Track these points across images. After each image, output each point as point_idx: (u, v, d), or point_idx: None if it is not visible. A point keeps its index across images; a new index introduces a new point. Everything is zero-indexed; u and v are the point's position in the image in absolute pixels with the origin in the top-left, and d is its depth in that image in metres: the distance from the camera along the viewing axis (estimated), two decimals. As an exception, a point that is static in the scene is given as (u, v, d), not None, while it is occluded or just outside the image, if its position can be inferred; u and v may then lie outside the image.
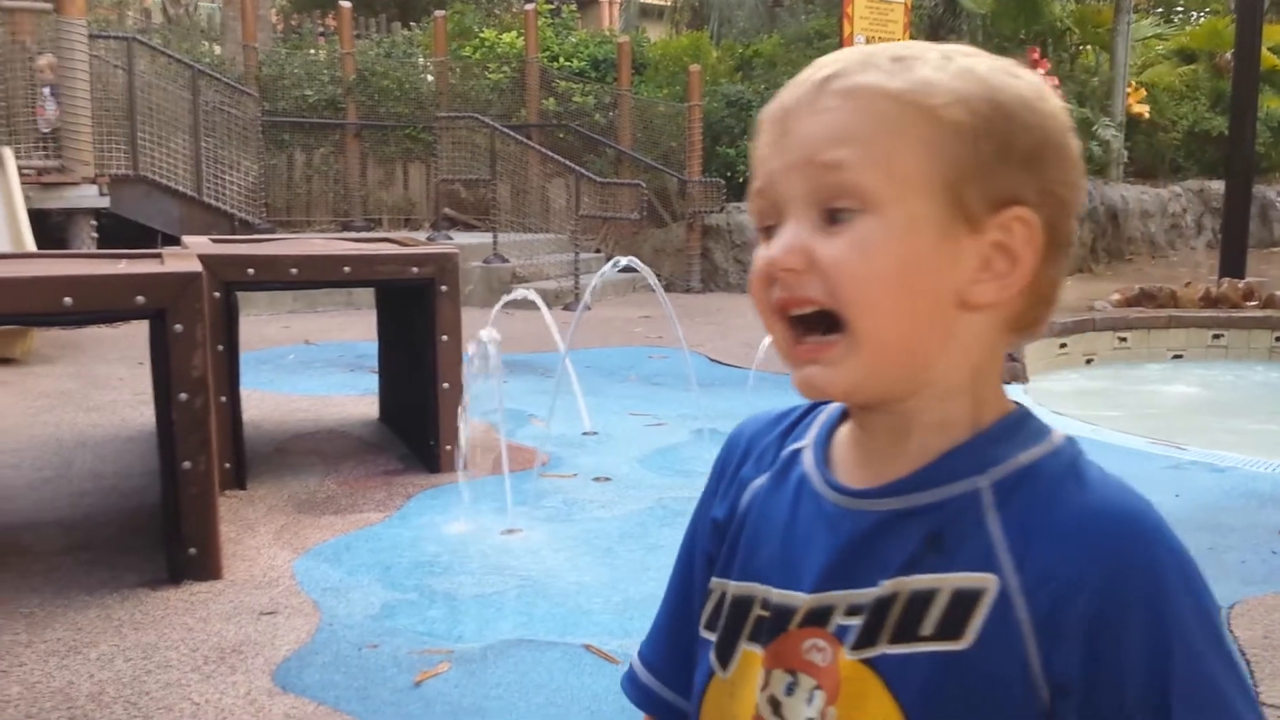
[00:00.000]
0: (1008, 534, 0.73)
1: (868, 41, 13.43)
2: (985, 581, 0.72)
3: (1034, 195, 0.74)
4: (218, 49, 14.34)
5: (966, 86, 0.74)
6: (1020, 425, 0.79)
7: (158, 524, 3.89)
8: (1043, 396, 6.31)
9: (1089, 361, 8.04)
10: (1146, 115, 15.46)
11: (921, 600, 0.74)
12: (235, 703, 2.56)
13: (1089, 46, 15.77)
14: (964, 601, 0.72)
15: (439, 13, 13.41)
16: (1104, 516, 0.73)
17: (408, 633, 2.99)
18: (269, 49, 13.73)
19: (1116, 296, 9.03)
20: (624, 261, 5.45)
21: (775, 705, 0.81)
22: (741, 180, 13.54)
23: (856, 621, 0.76)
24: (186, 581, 3.31)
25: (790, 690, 0.80)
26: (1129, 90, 15.01)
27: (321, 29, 17.80)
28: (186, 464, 3.26)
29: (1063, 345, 7.88)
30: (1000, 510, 0.74)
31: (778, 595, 0.82)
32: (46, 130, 8.81)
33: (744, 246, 12.97)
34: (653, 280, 4.68)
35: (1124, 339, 8.23)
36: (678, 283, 12.50)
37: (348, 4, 12.61)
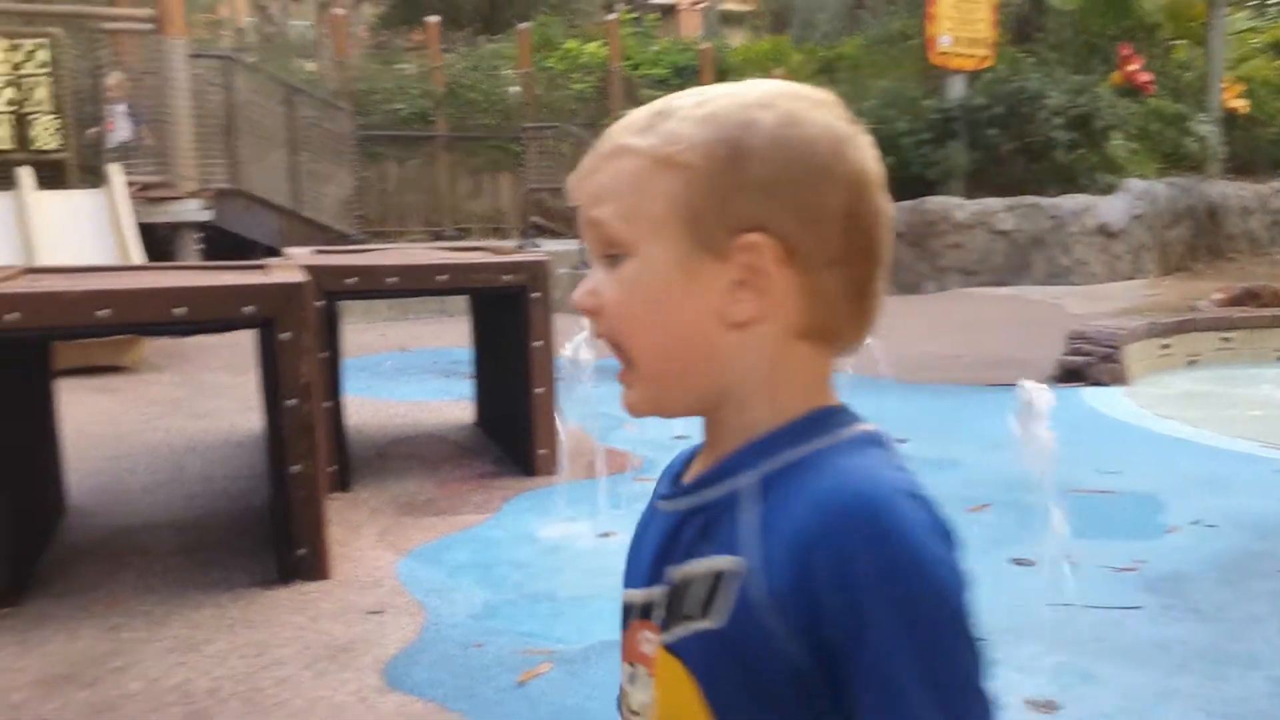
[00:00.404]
0: (760, 520, 0.79)
1: (954, 42, 13.27)
2: (732, 564, 0.79)
3: (776, 218, 0.81)
4: (310, 65, 14.71)
5: (704, 131, 0.81)
6: (813, 423, 0.84)
7: (266, 526, 4.01)
8: (1146, 400, 6.18)
9: (1192, 363, 7.83)
10: (1244, 110, 15.01)
11: (689, 585, 0.82)
12: (346, 699, 2.63)
13: (1182, 41, 15.36)
14: (716, 583, 0.79)
15: (523, 25, 13.59)
16: (830, 502, 0.77)
17: (509, 633, 3.05)
18: (360, 64, 14.04)
19: (1219, 295, 8.78)
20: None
21: (625, 695, 0.90)
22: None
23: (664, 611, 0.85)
24: (296, 581, 3.41)
25: (633, 680, 0.89)
26: (1225, 85, 14.58)
27: (409, 44, 18.15)
28: (295, 467, 3.36)
29: (1165, 346, 7.68)
30: (763, 500, 0.80)
31: (625, 595, 0.92)
32: (116, 145, 9.04)
33: (831, 250, 12.88)
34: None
35: (1228, 339, 7.99)
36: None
37: (435, 19, 12.85)
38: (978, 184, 13.23)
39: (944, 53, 13.43)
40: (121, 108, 9.01)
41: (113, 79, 9.06)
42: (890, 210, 0.88)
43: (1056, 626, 2.95)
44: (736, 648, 0.78)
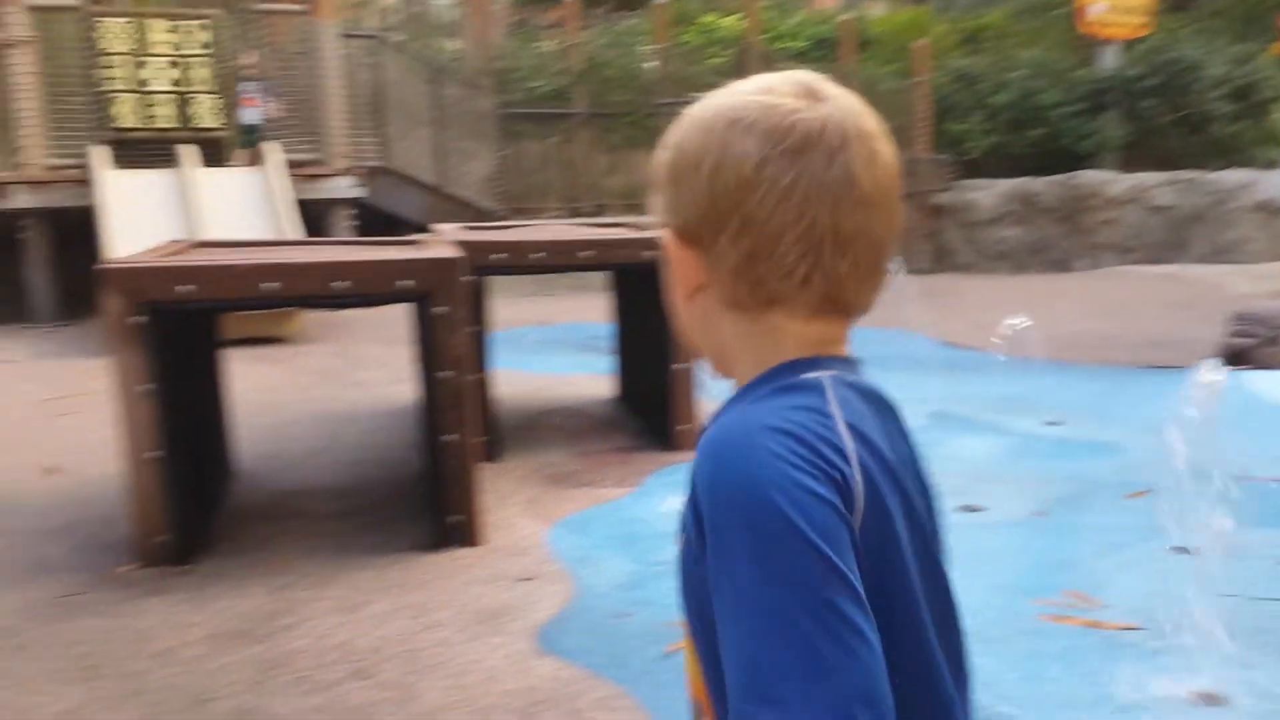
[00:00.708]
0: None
1: (1109, 9, 12.74)
2: (684, 498, 0.89)
3: (670, 211, 0.96)
4: (453, 44, 14.98)
5: (669, 138, 0.97)
6: (764, 378, 0.93)
7: (420, 493, 4.15)
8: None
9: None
10: None
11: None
12: (501, 663, 2.71)
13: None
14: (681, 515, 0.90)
15: (660, 0, 13.57)
16: (705, 442, 0.87)
17: (655, 604, 3.09)
18: (501, 43, 14.24)
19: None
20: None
21: None
22: (973, 157, 13.11)
23: None
24: (449, 547, 3.52)
25: None
26: None
27: (548, 22, 18.32)
28: (448, 437, 3.46)
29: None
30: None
31: None
32: (253, 123, 9.30)
33: (975, 226, 12.57)
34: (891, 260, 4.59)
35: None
36: (906, 263, 12.24)
37: (575, -5, 12.94)
38: (1131, 158, 12.71)
39: (1095, 21, 12.92)
40: (257, 84, 9.28)
41: (248, 56, 9.34)
42: (780, 178, 0.90)
43: (1221, 618, 2.85)
44: (690, 582, 0.89)
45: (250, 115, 9.18)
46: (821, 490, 0.82)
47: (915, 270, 12.16)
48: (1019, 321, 5.47)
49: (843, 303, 0.95)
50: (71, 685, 2.63)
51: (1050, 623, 2.90)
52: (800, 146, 0.90)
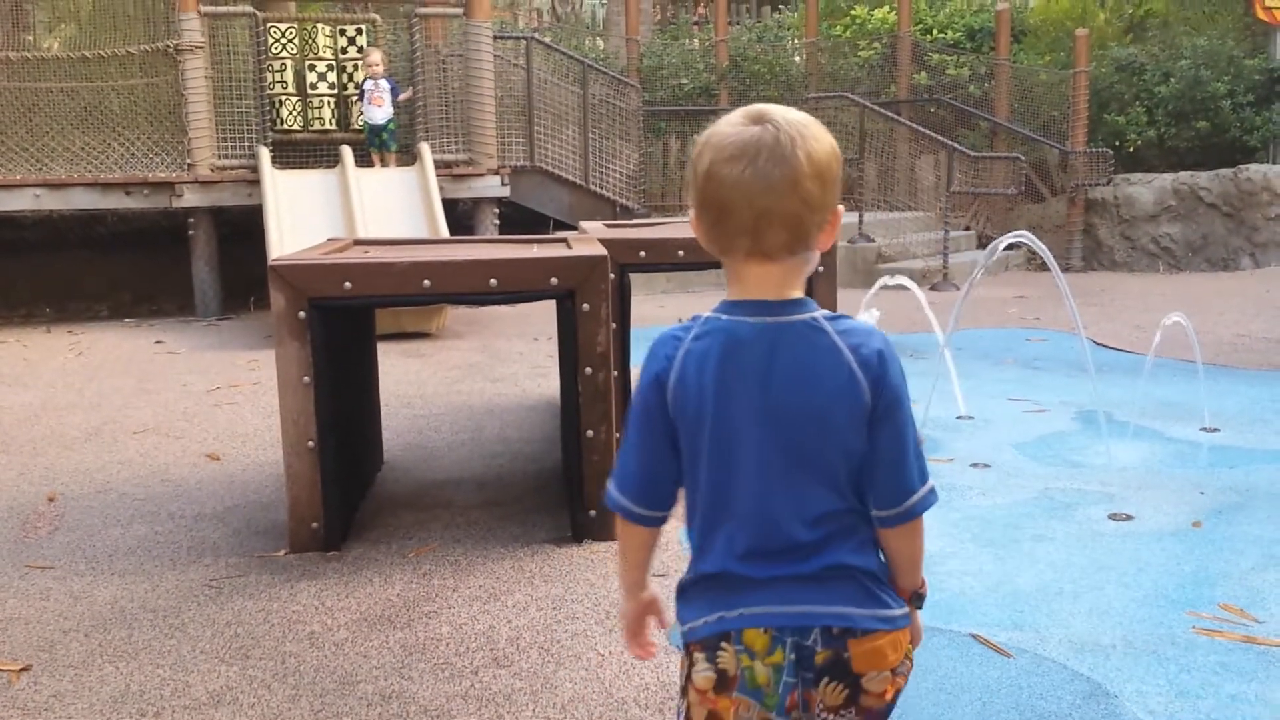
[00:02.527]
0: None
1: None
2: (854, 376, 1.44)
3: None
4: (601, 43, 15.15)
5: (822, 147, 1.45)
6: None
7: (559, 486, 4.23)
8: None
9: None
10: None
11: None
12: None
13: None
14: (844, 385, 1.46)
15: (810, -7, 13.45)
16: (881, 338, 1.45)
17: (791, 605, 3.07)
18: (648, 41, 14.34)
19: None
20: (1011, 239, 5.25)
21: None
22: (1132, 150, 12.60)
23: None
24: (587, 541, 3.58)
25: None
26: None
27: (696, 19, 18.35)
28: (589, 432, 3.52)
29: None
30: None
31: None
32: (380, 123, 9.44)
33: (1132, 222, 12.08)
34: (1048, 257, 4.48)
35: None
36: (1056, 260, 11.86)
37: (722, -9, 12.93)
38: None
39: (1271, 7, 12.24)
40: (385, 83, 9.48)
41: (374, 55, 9.52)
42: (726, 177, 1.38)
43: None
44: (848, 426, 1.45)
45: (378, 115, 9.40)
46: None
47: (1068, 268, 11.76)
48: (1177, 322, 5.24)
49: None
50: (225, 665, 2.77)
51: (1204, 636, 2.78)
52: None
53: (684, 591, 1.50)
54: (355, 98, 9.74)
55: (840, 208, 1.45)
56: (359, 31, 9.93)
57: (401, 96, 9.54)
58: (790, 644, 1.40)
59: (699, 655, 1.45)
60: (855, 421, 1.40)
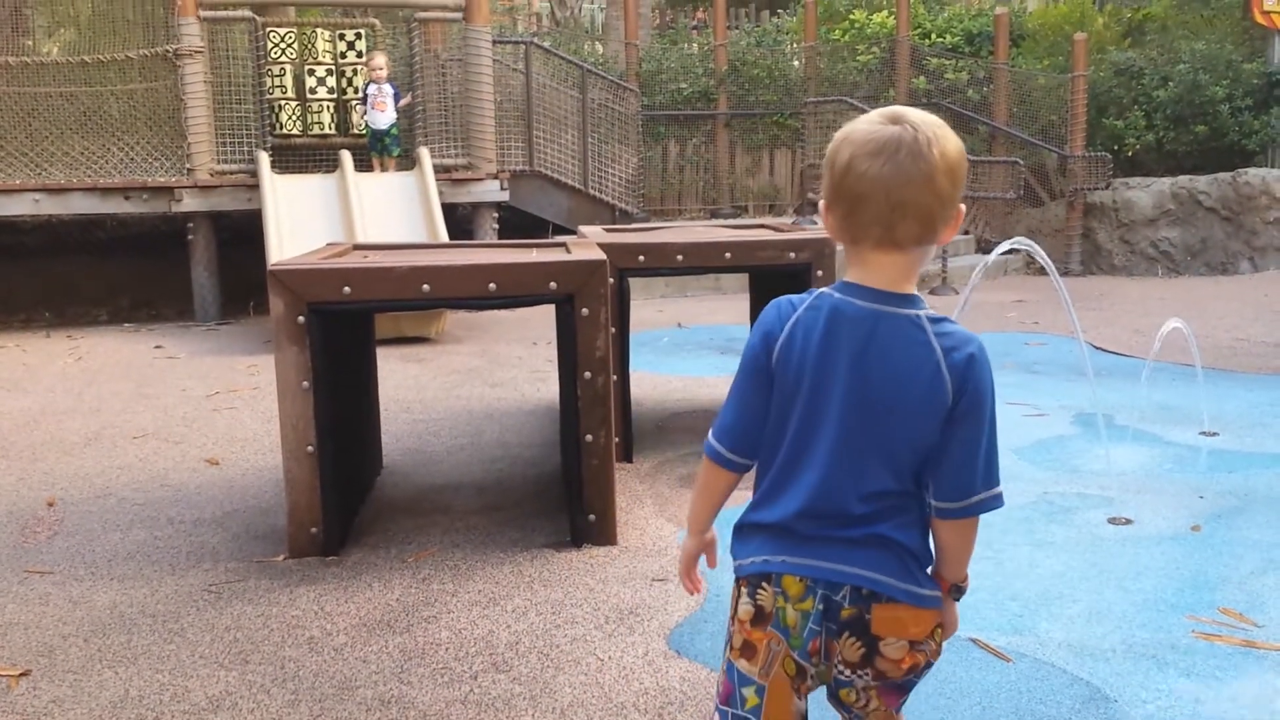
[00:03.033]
0: None
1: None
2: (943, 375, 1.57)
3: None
4: (600, 48, 15.17)
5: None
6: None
7: (558, 491, 4.23)
8: None
9: None
10: None
11: None
12: (635, 662, 2.75)
13: None
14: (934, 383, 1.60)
15: (808, -2, 13.46)
16: (976, 342, 1.58)
17: (790, 610, 3.07)
18: (647, 45, 14.36)
19: None
20: (1009, 245, 5.25)
21: None
22: (1130, 154, 12.61)
23: None
24: (586, 545, 3.58)
25: None
26: None
27: (694, 23, 18.37)
28: (588, 437, 3.52)
29: None
30: None
31: None
32: (382, 128, 9.41)
33: (1131, 226, 12.09)
34: (1047, 263, 4.49)
35: None
36: (1055, 265, 11.87)
37: (721, -4, 12.94)
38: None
39: (1270, 11, 12.27)
40: (388, 87, 9.48)
41: (378, 58, 9.51)
42: (865, 171, 1.50)
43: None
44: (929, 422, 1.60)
45: (380, 120, 9.40)
46: None
47: (1067, 272, 11.77)
48: (1176, 326, 5.24)
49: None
50: (224, 670, 2.77)
51: (1203, 641, 2.78)
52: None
53: (740, 530, 1.66)
54: (357, 102, 9.74)
55: (962, 206, 1.56)
56: (358, 36, 9.94)
57: (402, 102, 9.54)
58: (820, 595, 1.56)
59: (744, 590, 1.62)
60: (931, 417, 1.52)
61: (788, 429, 1.58)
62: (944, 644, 1.65)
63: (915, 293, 1.56)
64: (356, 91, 9.85)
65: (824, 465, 1.55)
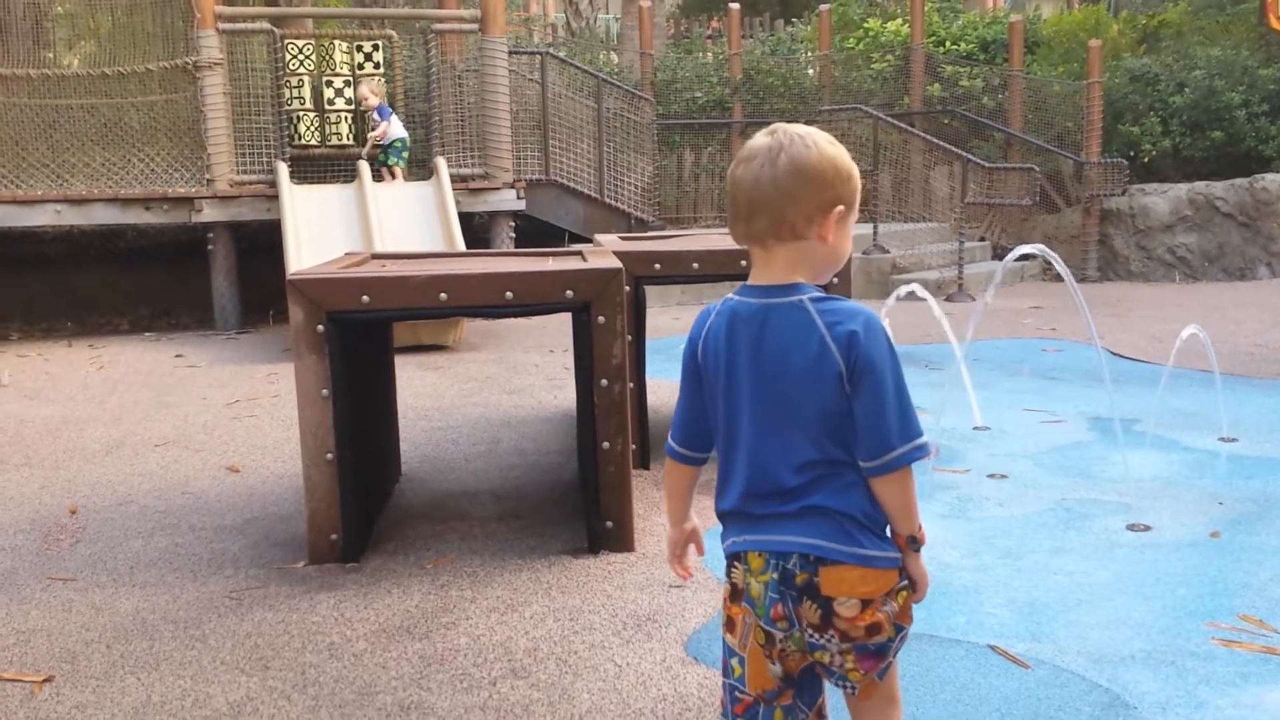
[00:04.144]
0: None
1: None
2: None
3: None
4: (615, 58, 15.22)
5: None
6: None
7: (575, 497, 4.24)
8: None
9: None
10: None
11: None
12: (653, 668, 2.76)
13: None
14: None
15: (824, 6, 13.48)
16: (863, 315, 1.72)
17: (807, 616, 3.08)
18: (662, 55, 14.40)
19: None
20: (1025, 250, 5.25)
21: None
22: (1146, 160, 12.57)
23: None
24: (603, 552, 3.59)
25: None
26: None
27: (709, 32, 18.40)
28: (605, 444, 3.53)
29: None
30: None
31: None
32: (385, 144, 9.50)
33: (1147, 232, 12.05)
34: (1063, 269, 4.49)
35: None
36: (1071, 271, 11.83)
37: (736, 5, 12.97)
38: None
39: (1287, 16, 12.23)
40: (377, 115, 9.56)
41: (361, 88, 9.58)
42: (733, 175, 1.78)
43: None
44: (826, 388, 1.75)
45: (391, 135, 9.49)
46: None
47: (1083, 278, 11.73)
48: (1194, 332, 5.23)
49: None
50: (245, 675, 2.79)
51: (1223, 647, 2.77)
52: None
53: (720, 519, 1.83)
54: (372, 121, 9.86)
55: (839, 207, 1.72)
56: (375, 48, 10.00)
57: (375, 133, 9.50)
58: (775, 565, 1.71)
59: (727, 571, 1.80)
60: (826, 385, 1.68)
61: (718, 423, 1.79)
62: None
63: (801, 281, 1.72)
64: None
65: (750, 449, 1.74)
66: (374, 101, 9.53)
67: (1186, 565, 3.38)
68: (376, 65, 9.97)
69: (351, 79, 9.93)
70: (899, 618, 1.71)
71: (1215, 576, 3.27)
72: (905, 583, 1.73)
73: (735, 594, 1.77)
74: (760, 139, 1.74)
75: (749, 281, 1.78)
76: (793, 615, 1.70)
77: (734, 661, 1.80)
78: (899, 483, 1.70)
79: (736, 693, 1.80)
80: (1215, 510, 3.91)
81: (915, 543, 1.74)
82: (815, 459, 1.70)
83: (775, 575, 1.70)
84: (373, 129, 9.54)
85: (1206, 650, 2.76)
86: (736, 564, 1.76)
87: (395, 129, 9.53)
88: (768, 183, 1.70)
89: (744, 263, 4.79)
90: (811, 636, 1.71)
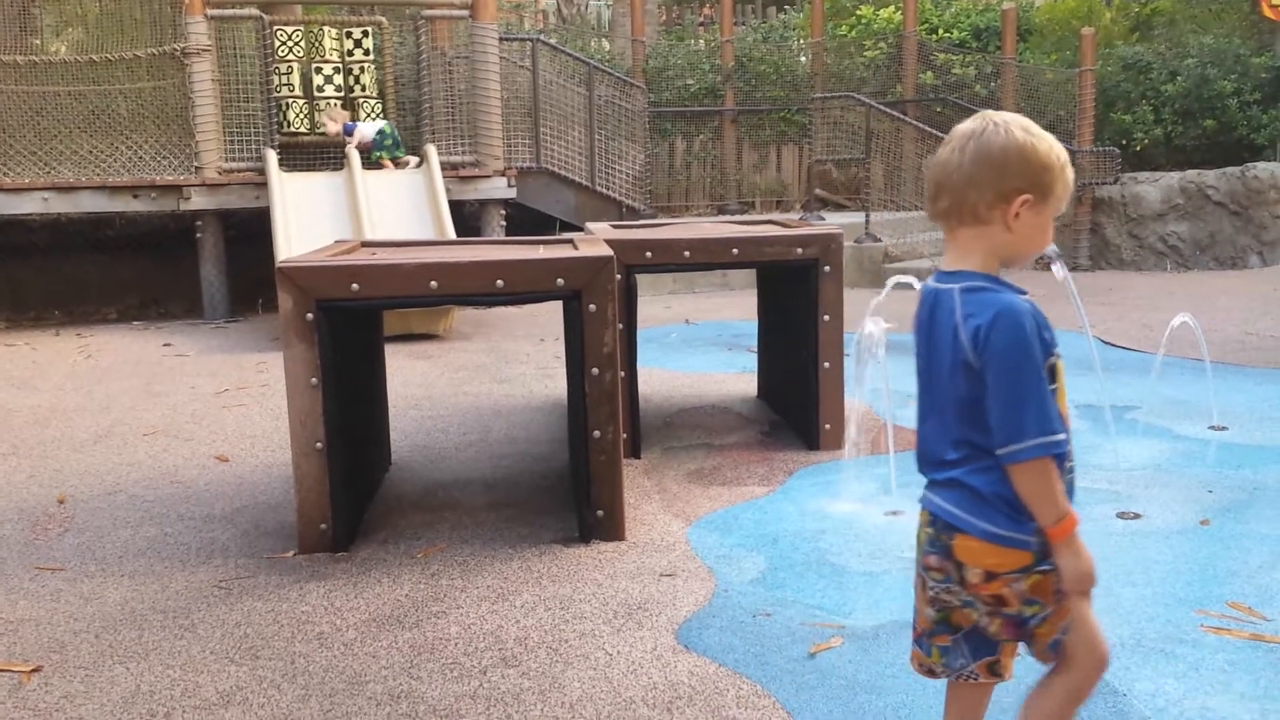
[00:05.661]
0: None
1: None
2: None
3: None
4: (606, 45, 15.16)
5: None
6: None
7: (565, 487, 4.24)
8: None
9: None
10: None
11: None
12: (643, 657, 2.75)
13: None
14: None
15: (815, -7, 13.42)
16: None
17: (798, 604, 3.08)
18: (654, 42, 14.35)
19: None
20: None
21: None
22: (1139, 149, 12.58)
23: None
24: (594, 541, 3.59)
25: None
26: None
27: (701, 19, 18.35)
28: (596, 433, 3.52)
29: None
30: None
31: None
32: (372, 138, 9.45)
33: (1139, 220, 12.06)
34: (1061, 266, 4.48)
35: None
36: (1064, 260, 11.84)
37: (727, -8, 12.91)
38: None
39: (1278, 5, 12.22)
40: (349, 126, 9.52)
41: (324, 120, 9.59)
42: (933, 158, 1.86)
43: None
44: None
45: (367, 137, 9.44)
46: None
47: (1075, 267, 11.75)
48: (1185, 321, 5.23)
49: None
50: (235, 665, 2.78)
51: (1212, 635, 2.78)
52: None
53: None
54: (369, 114, 9.80)
55: (1024, 197, 1.78)
56: (365, 34, 9.95)
57: (350, 148, 9.35)
58: (931, 521, 1.88)
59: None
60: (958, 374, 1.79)
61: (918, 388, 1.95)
62: (1063, 595, 1.82)
63: (969, 269, 1.83)
64: (364, 89, 9.87)
65: (923, 420, 1.92)
66: (334, 128, 9.49)
67: (1176, 553, 3.38)
68: (366, 52, 9.92)
69: (341, 66, 9.88)
70: (1032, 593, 1.81)
71: (1205, 564, 3.28)
72: (1046, 566, 1.81)
73: (918, 539, 1.94)
74: (965, 123, 1.83)
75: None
76: (948, 569, 1.86)
77: (915, 594, 1.99)
78: (1026, 473, 1.77)
79: (914, 621, 2.00)
80: (1205, 498, 3.92)
81: (1047, 540, 1.80)
82: (964, 438, 1.83)
83: (931, 530, 1.88)
84: (348, 146, 9.40)
85: (1195, 637, 2.77)
86: (921, 515, 1.93)
87: (366, 130, 9.42)
88: (954, 165, 1.79)
89: (735, 251, 4.82)
90: (961, 595, 1.86)
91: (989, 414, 1.77)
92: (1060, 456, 1.79)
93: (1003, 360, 1.74)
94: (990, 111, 1.84)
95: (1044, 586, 1.82)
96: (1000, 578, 1.81)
